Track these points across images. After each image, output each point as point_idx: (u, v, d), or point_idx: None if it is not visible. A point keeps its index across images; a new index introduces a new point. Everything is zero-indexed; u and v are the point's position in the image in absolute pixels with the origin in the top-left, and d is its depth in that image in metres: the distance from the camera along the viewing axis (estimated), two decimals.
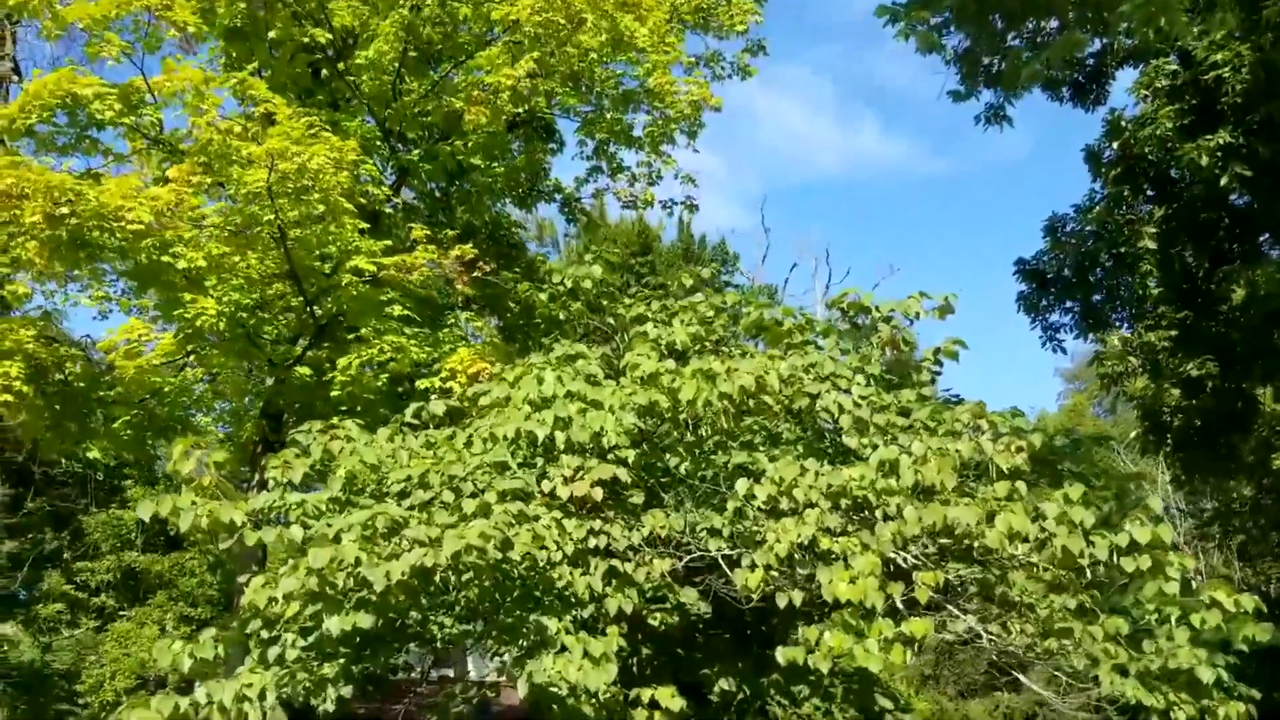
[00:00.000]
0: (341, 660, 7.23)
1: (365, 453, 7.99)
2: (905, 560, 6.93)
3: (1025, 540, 6.57)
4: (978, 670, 34.45)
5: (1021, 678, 10.27)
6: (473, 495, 7.39)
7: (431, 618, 9.35)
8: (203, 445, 7.97)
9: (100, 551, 30.31)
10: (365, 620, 6.55)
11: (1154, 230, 17.81)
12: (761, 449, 8.34)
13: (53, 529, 31.42)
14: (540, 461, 8.37)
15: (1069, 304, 18.83)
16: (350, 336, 12.17)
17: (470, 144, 13.94)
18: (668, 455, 8.88)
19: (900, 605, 6.58)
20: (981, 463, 7.29)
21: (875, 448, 7.22)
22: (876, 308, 8.32)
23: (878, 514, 6.81)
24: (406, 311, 12.54)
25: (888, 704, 8.66)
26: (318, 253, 11.86)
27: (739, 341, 10.05)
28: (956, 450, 6.85)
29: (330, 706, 9.17)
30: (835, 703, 8.96)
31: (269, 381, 14.49)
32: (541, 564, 7.23)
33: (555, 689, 6.79)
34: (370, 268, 11.57)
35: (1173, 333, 17.91)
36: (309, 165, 10.12)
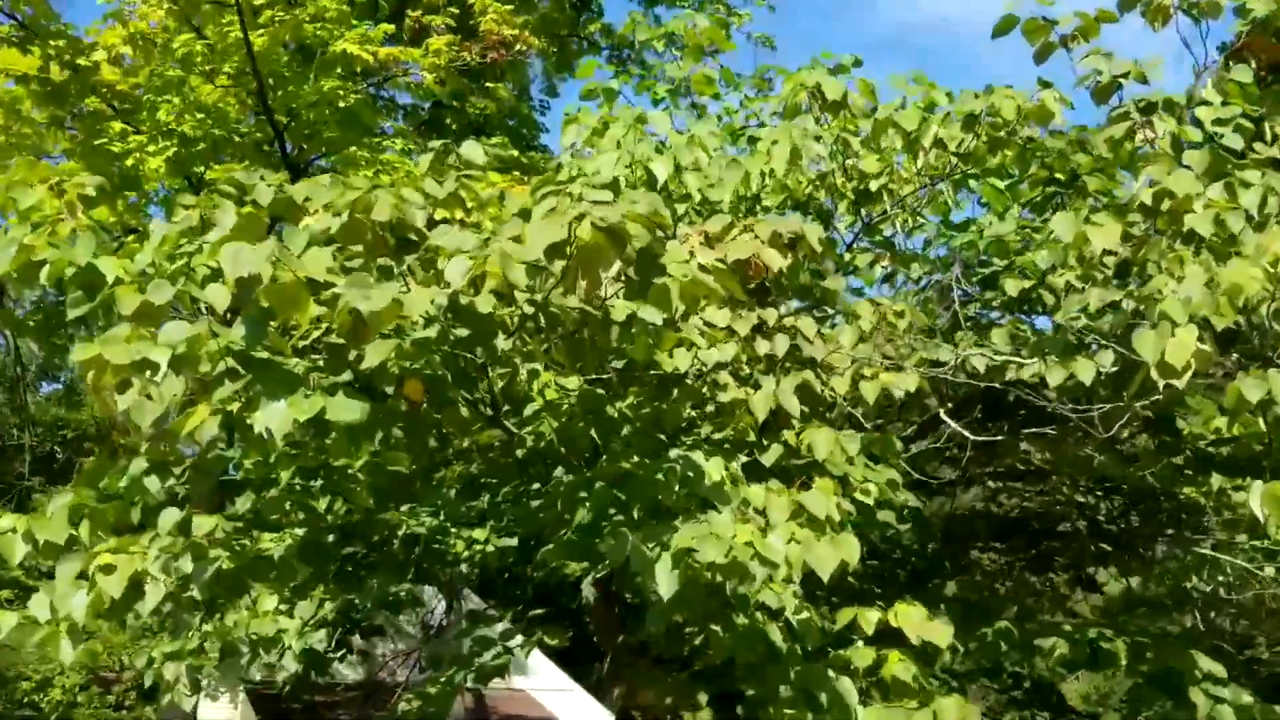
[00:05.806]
0: (301, 531, 3.72)
1: (352, 192, 4.51)
2: None
3: None
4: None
5: None
6: None
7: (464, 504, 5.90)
8: (65, 178, 4.57)
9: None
10: (348, 412, 3.02)
11: None
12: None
13: None
14: None
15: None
16: (335, 157, 8.67)
17: None
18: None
19: None
20: None
21: None
22: None
23: None
24: (414, 147, 9.13)
25: None
26: (287, 42, 8.37)
27: None
28: None
29: (289, 661, 5.72)
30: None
31: None
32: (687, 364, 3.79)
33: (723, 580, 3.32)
34: (365, 56, 8.08)
35: None
36: None
